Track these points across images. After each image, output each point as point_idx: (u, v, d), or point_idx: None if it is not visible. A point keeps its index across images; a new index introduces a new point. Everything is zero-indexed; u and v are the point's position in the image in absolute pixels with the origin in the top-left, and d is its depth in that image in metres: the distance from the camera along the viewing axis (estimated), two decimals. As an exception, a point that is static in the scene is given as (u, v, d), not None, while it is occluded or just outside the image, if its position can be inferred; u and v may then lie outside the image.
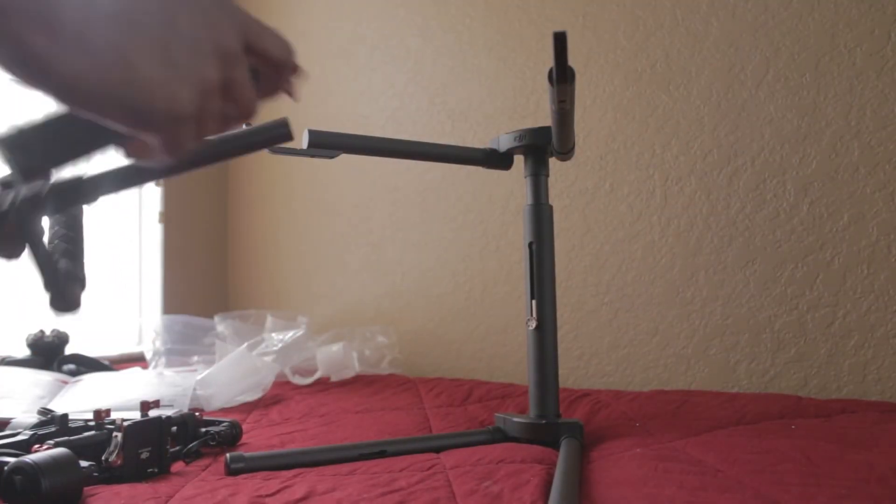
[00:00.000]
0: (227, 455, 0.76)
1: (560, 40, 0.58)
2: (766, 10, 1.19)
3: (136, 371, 1.35)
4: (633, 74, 1.34)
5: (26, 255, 0.39)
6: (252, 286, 2.11)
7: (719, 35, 1.24)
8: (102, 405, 0.79)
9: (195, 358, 1.51)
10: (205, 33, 0.32)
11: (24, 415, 0.90)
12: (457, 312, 1.59)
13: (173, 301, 1.97)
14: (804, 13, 1.16)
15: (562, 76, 0.62)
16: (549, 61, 0.64)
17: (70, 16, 0.28)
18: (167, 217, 1.98)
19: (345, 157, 0.91)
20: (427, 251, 1.65)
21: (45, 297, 0.40)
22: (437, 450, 0.82)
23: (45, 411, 0.82)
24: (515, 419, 0.87)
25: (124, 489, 0.67)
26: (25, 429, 0.77)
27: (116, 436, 0.71)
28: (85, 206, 0.43)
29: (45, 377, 1.23)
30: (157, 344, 1.53)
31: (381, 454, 0.80)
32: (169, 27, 0.31)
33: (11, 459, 0.61)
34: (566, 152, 0.90)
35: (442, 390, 1.27)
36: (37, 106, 0.36)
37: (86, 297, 0.42)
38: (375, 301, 1.75)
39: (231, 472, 0.74)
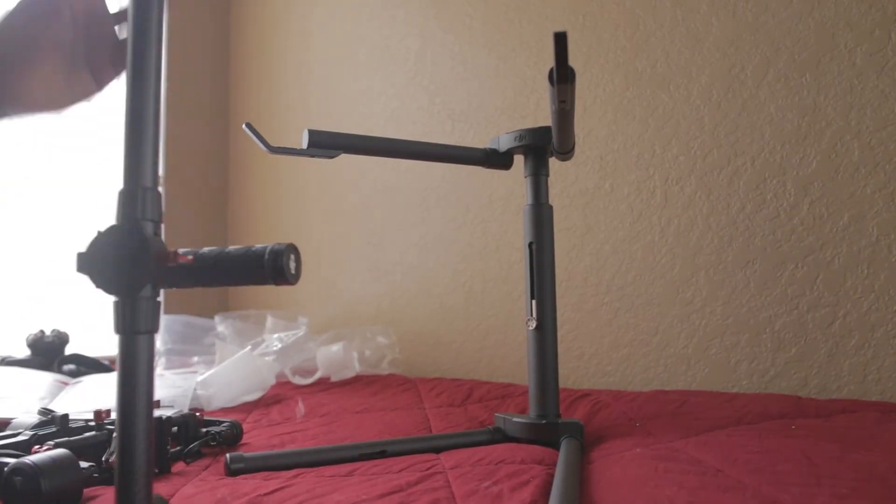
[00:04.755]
0: (227, 455, 0.76)
1: (560, 40, 0.58)
2: (766, 9, 1.19)
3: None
4: (633, 74, 1.34)
5: None
6: (252, 286, 2.11)
7: (719, 35, 1.24)
8: (103, 406, 0.79)
9: (195, 358, 1.51)
10: None
11: (25, 415, 0.90)
12: (457, 312, 1.59)
13: (173, 301, 1.97)
14: (804, 13, 1.16)
15: (562, 76, 0.62)
16: (549, 61, 0.64)
17: None
18: (167, 217, 1.98)
19: (345, 157, 0.92)
20: (427, 251, 1.65)
21: None
22: (438, 450, 0.82)
23: (45, 412, 0.82)
24: (515, 419, 0.87)
25: (124, 490, 0.67)
26: (26, 429, 0.77)
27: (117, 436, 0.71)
28: None
29: (45, 377, 1.23)
30: (158, 344, 1.53)
31: (382, 454, 0.80)
32: None
33: (11, 460, 0.61)
34: (566, 152, 0.90)
35: (442, 390, 1.27)
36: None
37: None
38: (375, 301, 1.75)
39: (231, 472, 0.74)
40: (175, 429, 0.79)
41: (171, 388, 1.14)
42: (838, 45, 1.12)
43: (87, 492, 0.65)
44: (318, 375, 1.47)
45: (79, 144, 1.78)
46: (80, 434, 0.74)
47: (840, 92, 1.12)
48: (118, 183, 0.44)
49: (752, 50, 1.21)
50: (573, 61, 1.42)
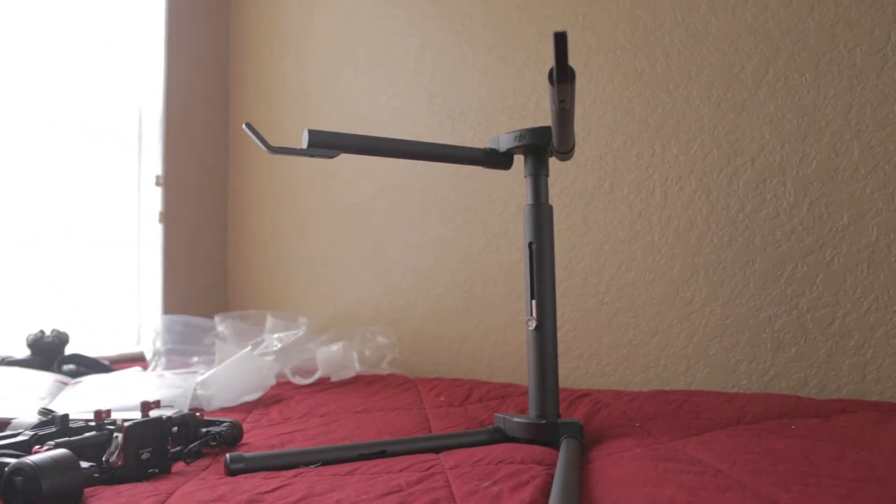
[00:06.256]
0: (227, 455, 0.76)
1: (561, 40, 0.58)
2: (765, 9, 1.19)
3: (136, 372, 1.35)
4: (632, 74, 1.34)
5: None
6: (252, 286, 2.11)
7: (719, 35, 1.24)
8: (103, 406, 0.79)
9: (195, 358, 1.51)
10: None
11: (25, 415, 0.90)
12: (456, 312, 1.59)
13: (173, 301, 1.97)
14: (804, 13, 1.16)
15: (562, 76, 0.62)
16: (548, 61, 0.64)
17: None
18: (167, 217, 1.98)
19: (345, 157, 0.92)
20: (427, 251, 1.66)
21: None
22: (437, 450, 0.82)
23: (45, 412, 0.82)
24: (515, 419, 0.87)
25: (125, 489, 0.67)
26: (26, 429, 0.77)
27: (117, 436, 0.71)
28: None
29: (45, 377, 1.23)
30: (158, 344, 1.53)
31: (381, 454, 0.80)
32: None
33: (12, 460, 0.61)
34: (566, 152, 0.90)
35: (442, 390, 1.27)
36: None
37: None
38: (375, 301, 1.75)
39: (231, 472, 0.74)
40: (175, 429, 0.79)
41: (171, 388, 1.14)
42: (838, 44, 1.12)
43: (87, 491, 0.65)
44: (318, 375, 1.47)
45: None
46: (80, 434, 0.74)
47: (840, 92, 1.12)
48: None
49: (752, 50, 1.21)
50: (573, 61, 1.42)
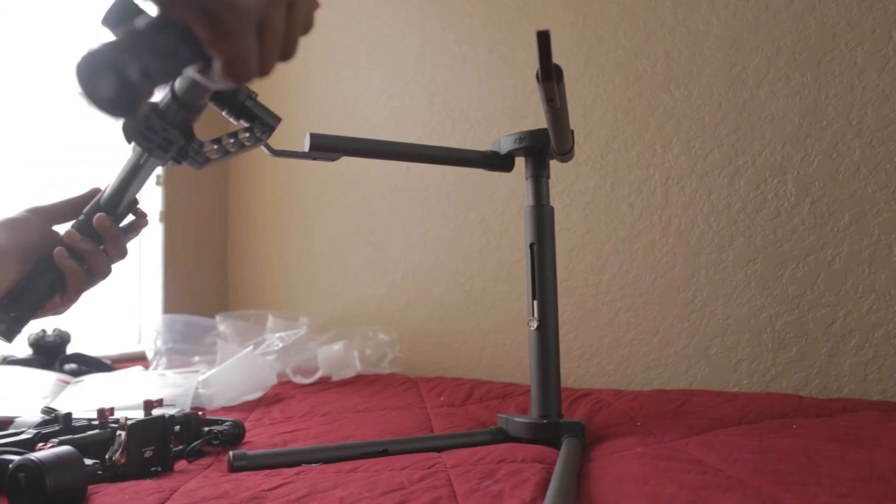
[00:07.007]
0: (231, 453, 0.76)
1: (543, 39, 0.58)
2: (767, 9, 1.20)
3: (137, 371, 1.36)
4: (633, 74, 1.34)
5: None
6: (252, 286, 2.11)
7: (720, 34, 1.25)
8: (104, 405, 0.79)
9: (196, 358, 1.51)
10: None
11: (28, 414, 0.90)
12: (457, 312, 1.59)
13: (173, 301, 1.97)
14: (805, 12, 1.16)
15: (547, 74, 0.62)
16: (550, 61, 0.65)
17: None
18: (167, 217, 1.99)
19: (346, 157, 0.92)
20: (427, 250, 1.66)
21: None
22: (440, 450, 0.82)
23: (48, 410, 0.82)
24: (517, 419, 0.87)
25: (128, 486, 0.67)
26: (29, 428, 0.77)
27: (120, 434, 0.71)
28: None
29: (47, 377, 1.23)
30: (159, 343, 1.53)
31: (384, 453, 0.80)
32: None
33: (16, 457, 0.61)
34: (565, 153, 0.90)
35: (443, 390, 1.27)
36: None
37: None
38: (376, 300, 1.76)
39: (234, 469, 0.75)
40: (178, 427, 0.79)
41: (173, 388, 1.14)
42: (839, 44, 1.12)
43: (90, 488, 0.65)
44: (319, 375, 1.47)
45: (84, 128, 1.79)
46: (83, 432, 0.74)
47: (841, 91, 1.12)
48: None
49: (753, 49, 1.21)
50: (573, 61, 1.42)
